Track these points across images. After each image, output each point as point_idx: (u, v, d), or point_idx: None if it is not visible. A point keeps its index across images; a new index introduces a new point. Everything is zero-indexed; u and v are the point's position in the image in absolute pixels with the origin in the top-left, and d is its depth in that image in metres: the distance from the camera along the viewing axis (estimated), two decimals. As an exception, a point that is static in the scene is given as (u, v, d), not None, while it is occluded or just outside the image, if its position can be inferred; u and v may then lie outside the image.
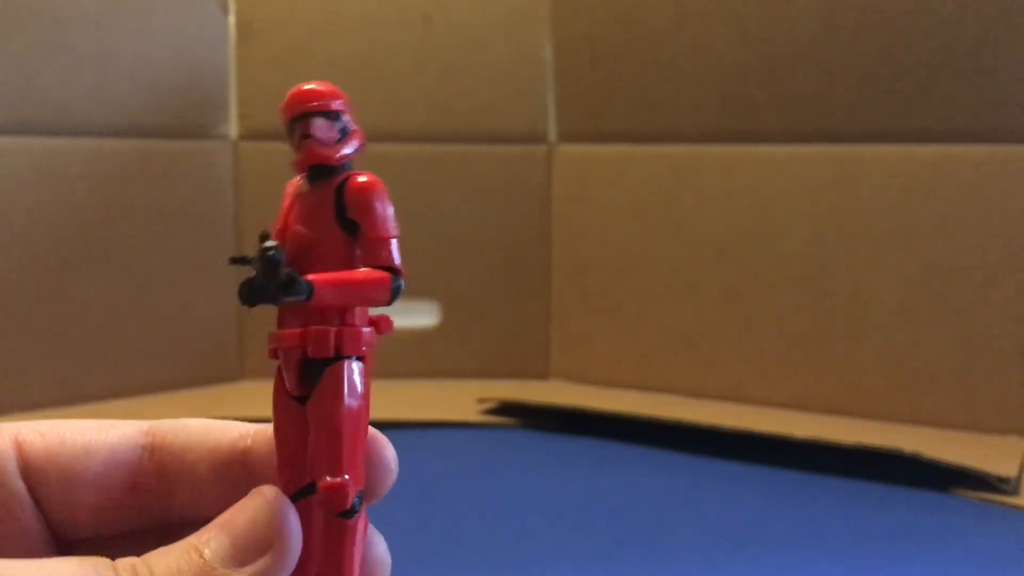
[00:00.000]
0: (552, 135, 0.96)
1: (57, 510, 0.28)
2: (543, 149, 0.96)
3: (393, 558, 0.57)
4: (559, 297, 0.97)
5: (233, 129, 0.93)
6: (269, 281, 0.24)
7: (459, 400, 0.89)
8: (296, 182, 0.27)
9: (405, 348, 0.95)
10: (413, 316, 0.96)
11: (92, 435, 0.28)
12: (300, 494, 0.26)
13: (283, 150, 0.28)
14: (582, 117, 0.95)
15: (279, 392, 0.26)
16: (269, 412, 0.28)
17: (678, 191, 0.91)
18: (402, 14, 0.95)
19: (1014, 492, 0.68)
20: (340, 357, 0.25)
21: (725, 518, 0.65)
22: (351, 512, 0.26)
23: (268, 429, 0.28)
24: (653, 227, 0.92)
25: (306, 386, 0.26)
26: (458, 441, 0.81)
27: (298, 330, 0.25)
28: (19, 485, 0.27)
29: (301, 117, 0.26)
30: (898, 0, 0.81)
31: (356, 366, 0.26)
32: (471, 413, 0.86)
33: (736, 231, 0.88)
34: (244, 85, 0.93)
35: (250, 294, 0.24)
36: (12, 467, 0.27)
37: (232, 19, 0.93)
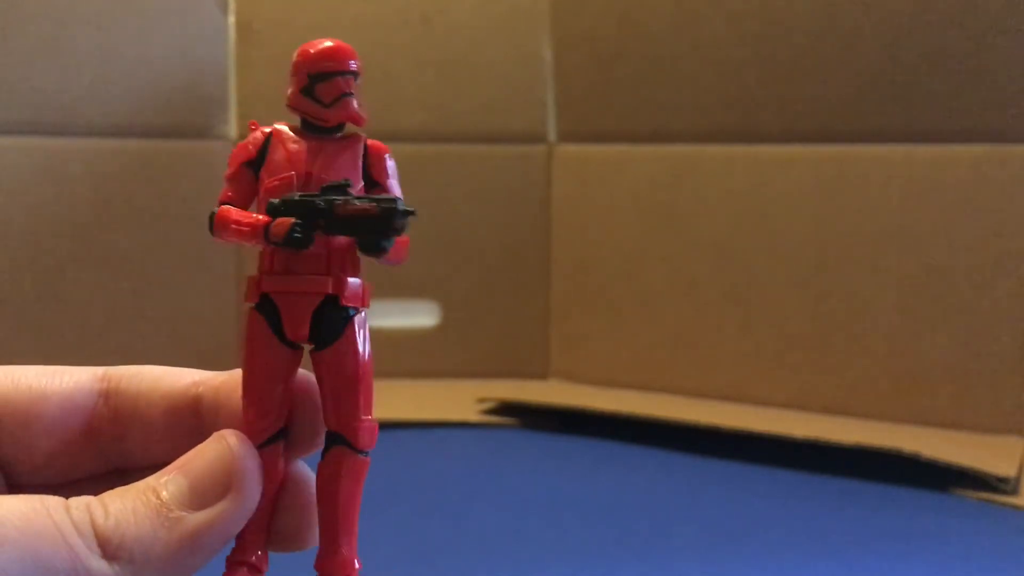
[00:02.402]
0: (552, 135, 0.96)
1: (11, 454, 0.28)
2: (543, 149, 0.96)
3: (394, 557, 0.57)
4: (559, 297, 0.97)
5: (233, 129, 0.93)
6: (398, 230, 0.26)
7: (459, 400, 0.89)
8: (284, 130, 0.27)
9: (405, 348, 0.95)
10: (413, 316, 0.96)
11: (47, 380, 0.28)
12: (272, 439, 0.27)
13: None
14: (582, 117, 0.95)
15: (266, 338, 0.27)
16: None
17: (678, 191, 0.91)
18: (402, 14, 0.95)
19: (1013, 492, 0.68)
20: (360, 308, 0.27)
21: (725, 518, 0.65)
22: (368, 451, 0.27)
23: (220, 376, 0.28)
24: (653, 227, 0.92)
25: (316, 333, 0.26)
26: (458, 441, 0.81)
27: (326, 277, 0.26)
28: None
29: (345, 73, 0.27)
30: (897, 0, 0.81)
31: (366, 316, 0.27)
32: (471, 413, 0.86)
33: (736, 231, 0.88)
34: (244, 85, 0.93)
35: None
36: None
37: (232, 19, 0.93)
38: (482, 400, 0.88)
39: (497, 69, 0.96)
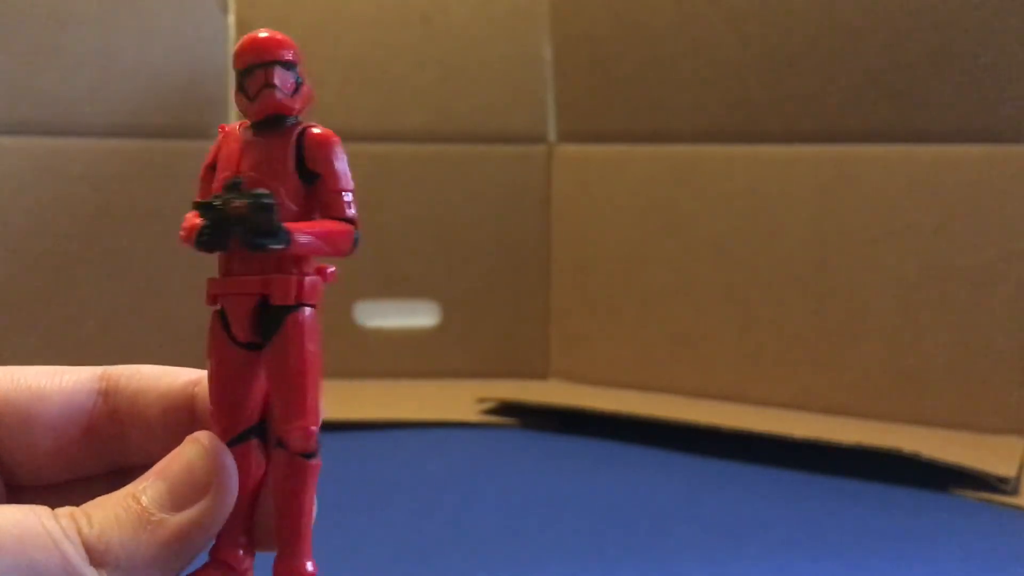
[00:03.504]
0: (552, 135, 0.96)
1: (12, 454, 0.28)
2: (543, 149, 0.96)
3: (393, 558, 0.57)
4: (559, 297, 0.97)
5: (233, 129, 0.93)
6: (264, 228, 0.24)
7: (459, 400, 0.88)
8: (235, 128, 0.27)
9: (405, 348, 0.95)
10: (413, 316, 0.96)
11: (46, 380, 0.28)
12: (240, 438, 0.27)
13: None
14: (582, 117, 0.95)
15: (220, 339, 0.27)
16: None
17: (678, 191, 0.91)
18: (402, 14, 0.95)
19: (1013, 492, 0.68)
20: (300, 305, 0.26)
21: (725, 518, 0.65)
22: (314, 453, 0.26)
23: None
24: (653, 227, 0.92)
25: (259, 333, 0.26)
26: (458, 441, 0.81)
27: (257, 277, 0.26)
28: None
29: (262, 65, 0.26)
30: (898, 0, 0.81)
31: (312, 313, 0.26)
32: (471, 413, 0.86)
33: (736, 231, 0.88)
34: (244, 85, 0.93)
35: (219, 238, 0.25)
36: None
37: (232, 19, 0.93)
38: (482, 400, 0.88)
39: (497, 69, 0.96)
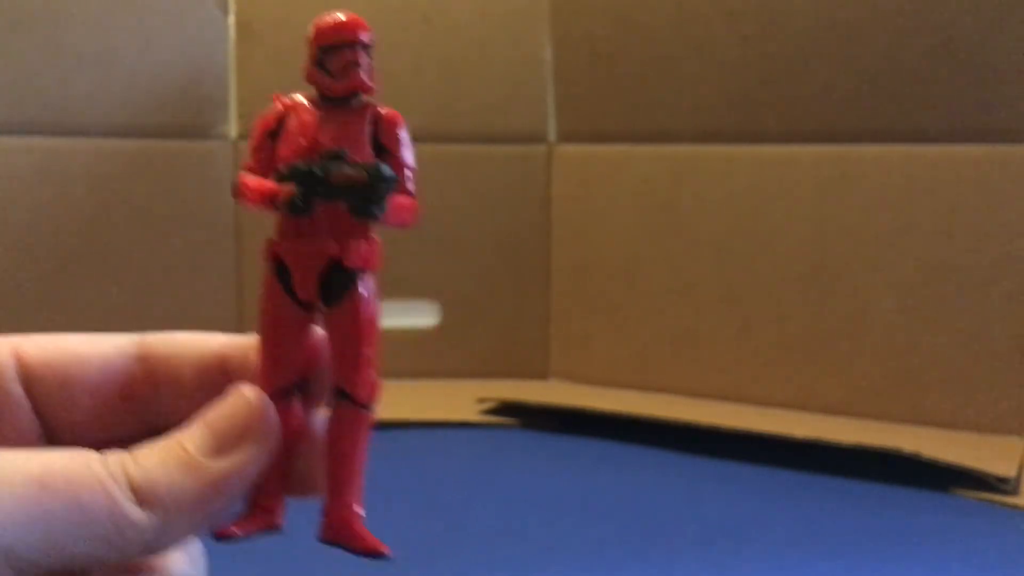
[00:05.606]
0: (552, 135, 0.96)
1: (54, 413, 0.29)
2: (543, 149, 0.96)
3: (393, 557, 0.57)
4: (559, 297, 0.97)
5: (233, 129, 0.93)
6: (381, 198, 0.27)
7: (459, 400, 0.89)
8: (301, 101, 0.28)
9: (405, 348, 0.95)
10: (413, 316, 0.96)
11: (87, 345, 0.30)
12: (285, 393, 0.28)
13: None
14: (582, 117, 0.95)
15: (279, 296, 0.28)
16: None
17: (678, 191, 0.91)
18: (402, 14, 0.95)
19: (1013, 492, 0.68)
20: (366, 269, 0.28)
21: (725, 518, 0.65)
22: (373, 405, 0.29)
23: (247, 339, 0.30)
24: (653, 227, 0.92)
25: (325, 293, 0.28)
26: (458, 441, 0.81)
27: (333, 241, 0.28)
28: (17, 389, 0.29)
29: (350, 45, 0.28)
30: (898, 0, 0.81)
31: (373, 276, 0.29)
32: (471, 413, 0.86)
33: (736, 231, 0.88)
34: (244, 85, 0.93)
35: (310, 203, 0.27)
36: (11, 373, 0.29)
37: (232, 19, 0.93)
38: (482, 400, 0.87)
39: (497, 69, 0.96)
